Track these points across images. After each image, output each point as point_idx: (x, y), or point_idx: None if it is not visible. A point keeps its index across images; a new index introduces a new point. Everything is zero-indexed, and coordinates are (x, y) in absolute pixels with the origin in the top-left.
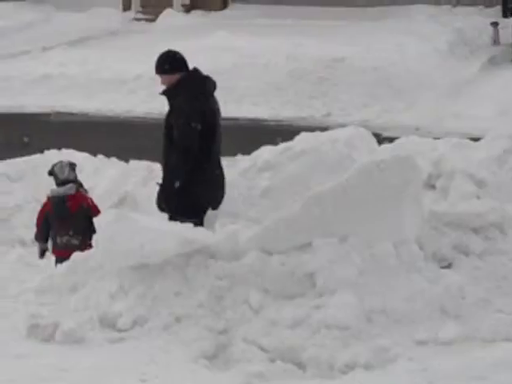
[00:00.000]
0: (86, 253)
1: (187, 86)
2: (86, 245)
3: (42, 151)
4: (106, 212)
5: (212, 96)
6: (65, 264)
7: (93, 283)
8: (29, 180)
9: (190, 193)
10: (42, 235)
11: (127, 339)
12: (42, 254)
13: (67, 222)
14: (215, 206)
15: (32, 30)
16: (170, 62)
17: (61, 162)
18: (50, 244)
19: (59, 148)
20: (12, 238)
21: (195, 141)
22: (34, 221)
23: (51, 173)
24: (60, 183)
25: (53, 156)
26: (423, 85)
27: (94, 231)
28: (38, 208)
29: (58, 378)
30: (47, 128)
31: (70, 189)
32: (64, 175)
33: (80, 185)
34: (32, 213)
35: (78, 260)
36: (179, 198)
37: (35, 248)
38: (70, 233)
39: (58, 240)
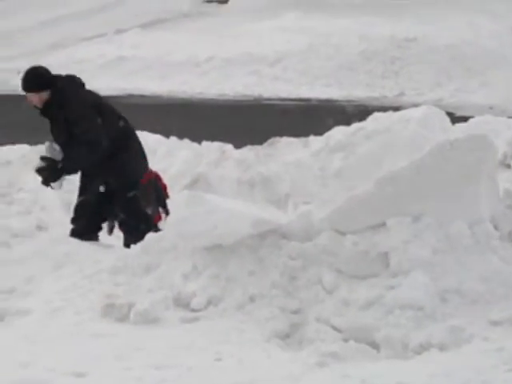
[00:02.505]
0: (159, 233)
1: (63, 93)
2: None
3: None
4: (179, 193)
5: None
6: (138, 244)
7: (166, 263)
8: None
9: (126, 169)
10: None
11: (201, 319)
12: (111, 230)
13: None
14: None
15: (106, 12)
16: (36, 80)
17: None
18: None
19: None
20: None
21: (102, 134)
22: None
23: None
24: None
25: None
26: (497, 63)
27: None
28: None
29: (133, 357)
30: (120, 110)
31: None
32: None
33: None
34: None
35: (151, 240)
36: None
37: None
38: None
39: None
